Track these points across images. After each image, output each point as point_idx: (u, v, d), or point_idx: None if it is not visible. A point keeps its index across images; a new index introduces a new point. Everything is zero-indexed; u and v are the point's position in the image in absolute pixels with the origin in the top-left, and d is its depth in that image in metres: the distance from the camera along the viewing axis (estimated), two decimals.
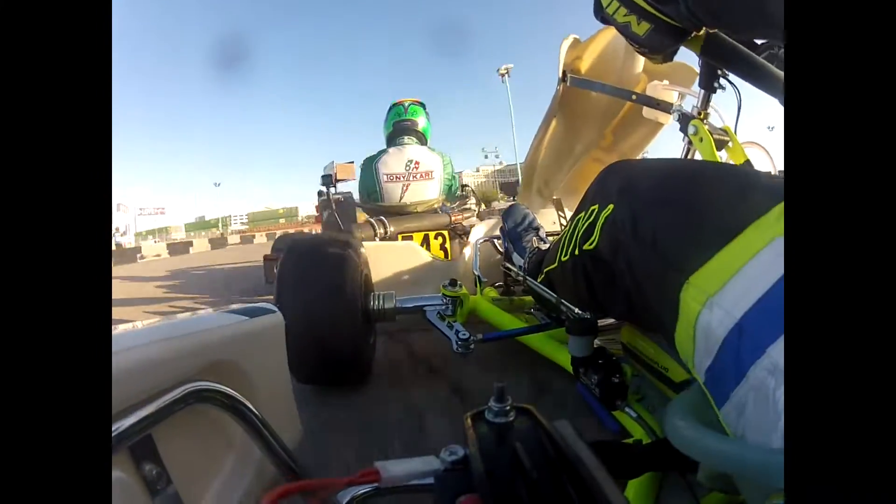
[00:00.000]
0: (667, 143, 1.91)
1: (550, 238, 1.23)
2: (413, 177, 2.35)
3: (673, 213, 0.45)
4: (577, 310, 0.75)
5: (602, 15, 0.82)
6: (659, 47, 0.78)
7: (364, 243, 1.50)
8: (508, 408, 0.31)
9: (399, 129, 2.53)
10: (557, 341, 1.13)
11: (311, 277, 1.16)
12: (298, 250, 1.24)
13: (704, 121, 1.05)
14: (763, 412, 0.31)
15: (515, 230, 1.26)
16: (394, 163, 2.36)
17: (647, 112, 1.34)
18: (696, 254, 0.39)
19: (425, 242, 2.16)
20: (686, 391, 0.45)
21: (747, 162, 1.04)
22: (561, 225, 1.87)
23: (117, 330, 0.42)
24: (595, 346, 0.72)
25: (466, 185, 2.81)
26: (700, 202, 0.44)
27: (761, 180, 0.45)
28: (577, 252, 0.60)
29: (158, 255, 12.68)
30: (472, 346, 1.09)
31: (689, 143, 1.09)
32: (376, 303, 1.27)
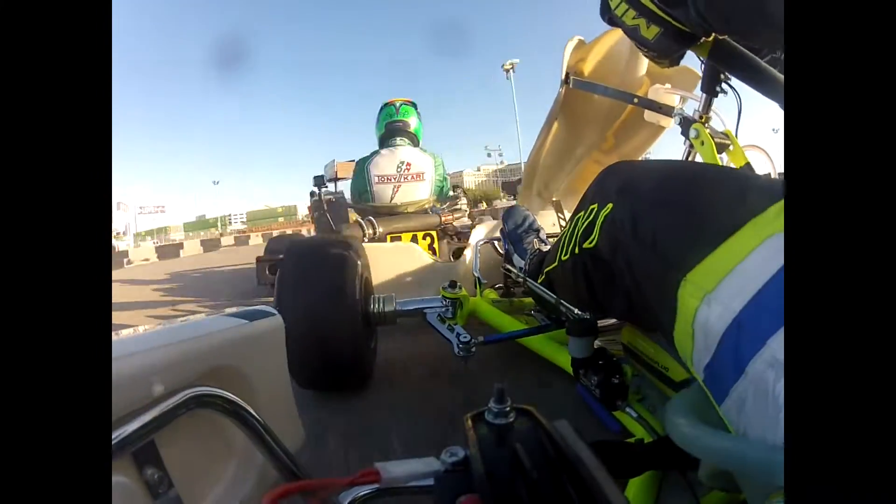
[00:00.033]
0: (668, 146, 1.92)
1: (550, 240, 1.23)
2: (404, 178, 2.37)
3: (672, 213, 0.46)
4: (576, 311, 0.75)
5: (609, 16, 0.82)
6: (667, 51, 0.78)
7: (365, 245, 1.50)
8: (508, 409, 0.31)
9: (391, 130, 2.56)
10: (557, 343, 1.13)
11: (312, 280, 1.16)
12: (298, 252, 1.24)
13: (706, 124, 1.06)
14: (763, 406, 0.31)
15: (516, 232, 1.26)
16: (385, 164, 2.38)
17: (649, 115, 1.34)
18: (693, 253, 0.39)
19: (413, 243, 2.17)
20: (686, 389, 0.45)
21: (748, 165, 1.05)
22: (560, 227, 1.87)
23: (118, 335, 0.42)
24: (595, 346, 0.72)
25: (458, 187, 2.82)
26: (699, 203, 0.44)
27: (759, 182, 0.45)
28: (577, 251, 0.60)
29: (147, 260, 11.50)
30: (473, 349, 1.09)
31: (691, 146, 1.09)
32: (376, 306, 1.27)
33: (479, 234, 1.91)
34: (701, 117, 1.06)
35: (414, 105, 2.68)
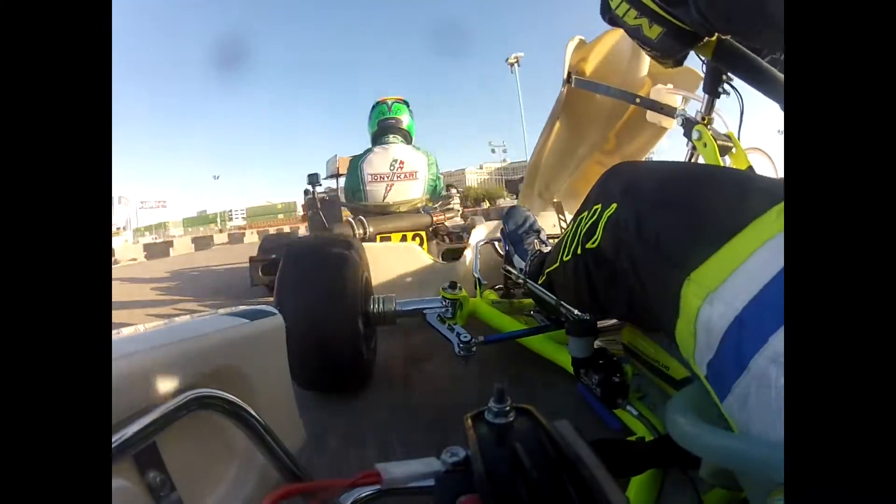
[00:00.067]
0: (671, 148, 1.92)
1: (551, 241, 1.23)
2: (397, 177, 2.37)
3: (676, 214, 0.46)
4: (576, 311, 0.75)
5: (610, 16, 0.82)
6: (671, 51, 0.78)
7: (364, 245, 1.50)
8: (508, 408, 0.31)
9: (384, 127, 2.56)
10: (557, 343, 1.13)
11: (312, 280, 1.15)
12: (298, 252, 1.24)
13: (708, 126, 1.05)
14: (766, 402, 0.31)
15: (516, 232, 1.25)
16: (379, 162, 2.38)
17: (651, 116, 1.34)
18: (697, 252, 0.40)
19: (412, 242, 2.18)
20: (686, 388, 0.45)
21: (750, 168, 1.04)
22: (561, 228, 1.87)
23: (118, 333, 0.42)
24: (595, 347, 0.72)
25: (452, 186, 2.83)
26: (702, 204, 0.45)
27: (761, 183, 0.46)
28: (579, 251, 0.61)
29: (135, 260, 10.52)
30: (474, 349, 1.09)
31: (693, 148, 1.09)
32: (376, 306, 1.27)
33: (479, 234, 1.91)
34: (703, 119, 1.06)
35: (406, 103, 2.68)
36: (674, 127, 1.20)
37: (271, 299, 1.19)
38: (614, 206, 0.53)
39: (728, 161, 1.04)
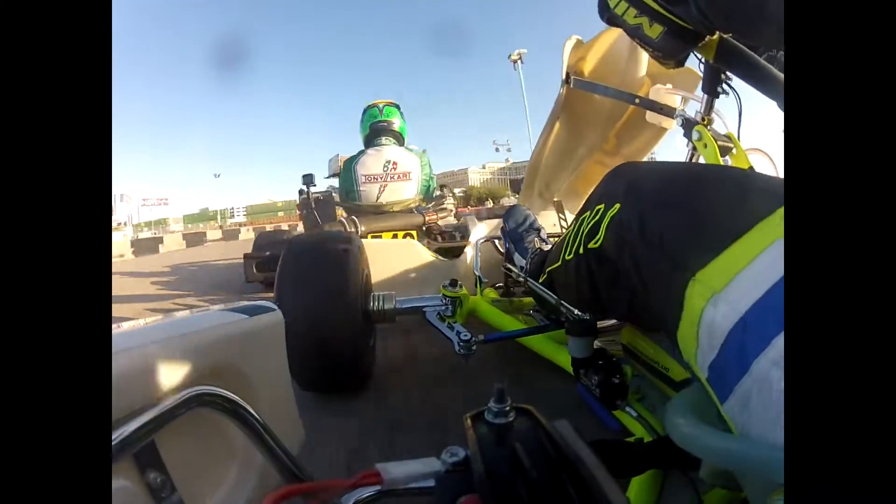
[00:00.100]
0: (672, 148, 1.92)
1: (551, 239, 1.23)
2: (391, 177, 2.42)
3: (679, 214, 0.46)
4: (576, 311, 0.75)
5: (608, 15, 0.81)
6: (672, 51, 0.78)
7: (364, 241, 1.50)
8: (508, 408, 0.31)
9: (376, 130, 2.61)
10: (557, 343, 1.13)
11: (311, 277, 1.14)
12: (298, 249, 1.23)
13: (708, 126, 1.05)
14: (767, 404, 0.31)
15: (517, 231, 1.26)
16: (372, 163, 2.43)
17: (651, 116, 1.34)
18: (702, 253, 0.40)
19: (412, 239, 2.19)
20: (686, 389, 0.45)
21: (751, 168, 1.04)
22: (561, 227, 1.87)
23: (118, 327, 0.42)
24: (595, 347, 0.72)
25: (445, 186, 2.85)
26: (706, 204, 0.45)
27: (765, 183, 0.45)
28: (581, 251, 0.61)
29: (122, 256, 9.47)
30: (474, 347, 1.09)
31: (693, 148, 1.09)
32: (376, 303, 1.26)
33: (479, 232, 1.91)
34: (703, 119, 1.06)
35: (397, 106, 2.73)
36: (674, 127, 1.20)
37: (271, 294, 1.18)
38: (617, 206, 0.53)
39: (728, 161, 1.04)
